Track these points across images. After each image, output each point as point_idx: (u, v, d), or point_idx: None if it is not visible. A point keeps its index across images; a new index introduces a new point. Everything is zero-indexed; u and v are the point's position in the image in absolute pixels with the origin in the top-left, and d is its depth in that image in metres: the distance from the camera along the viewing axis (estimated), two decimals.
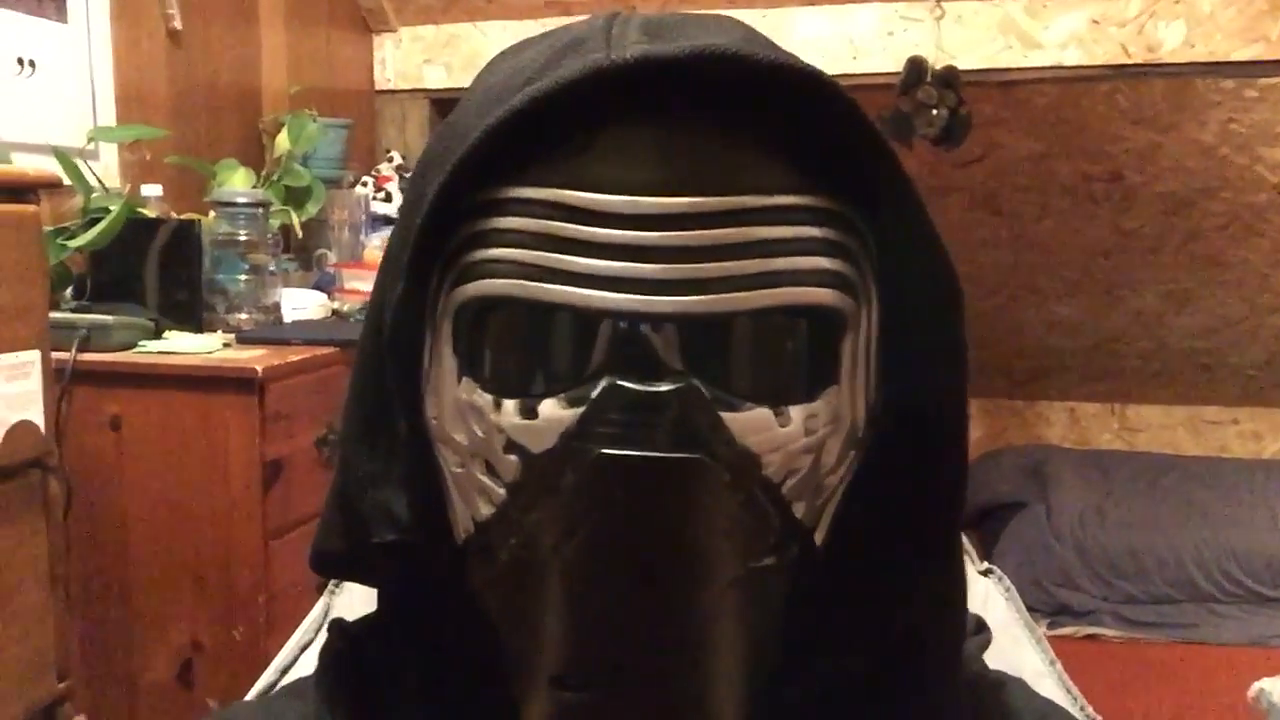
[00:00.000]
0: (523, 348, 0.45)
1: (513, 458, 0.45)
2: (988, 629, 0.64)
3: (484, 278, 0.44)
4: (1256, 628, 3.11)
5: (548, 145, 0.44)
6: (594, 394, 0.43)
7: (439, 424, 0.48)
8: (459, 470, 0.47)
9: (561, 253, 0.43)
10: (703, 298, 0.42)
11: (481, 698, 0.50)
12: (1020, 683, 0.61)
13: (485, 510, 0.46)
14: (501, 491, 0.45)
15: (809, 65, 0.43)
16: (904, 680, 0.52)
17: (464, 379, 0.46)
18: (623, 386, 0.42)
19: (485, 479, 0.46)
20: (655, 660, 0.43)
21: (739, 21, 0.48)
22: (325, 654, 0.58)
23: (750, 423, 0.44)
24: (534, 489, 0.44)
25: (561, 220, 0.43)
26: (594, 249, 0.42)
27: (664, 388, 0.42)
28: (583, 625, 0.43)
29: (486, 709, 0.50)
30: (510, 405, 0.45)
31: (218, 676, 1.62)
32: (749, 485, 0.44)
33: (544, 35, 0.49)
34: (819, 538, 0.48)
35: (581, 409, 0.43)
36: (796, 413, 0.45)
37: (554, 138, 0.44)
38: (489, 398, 0.45)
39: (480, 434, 0.46)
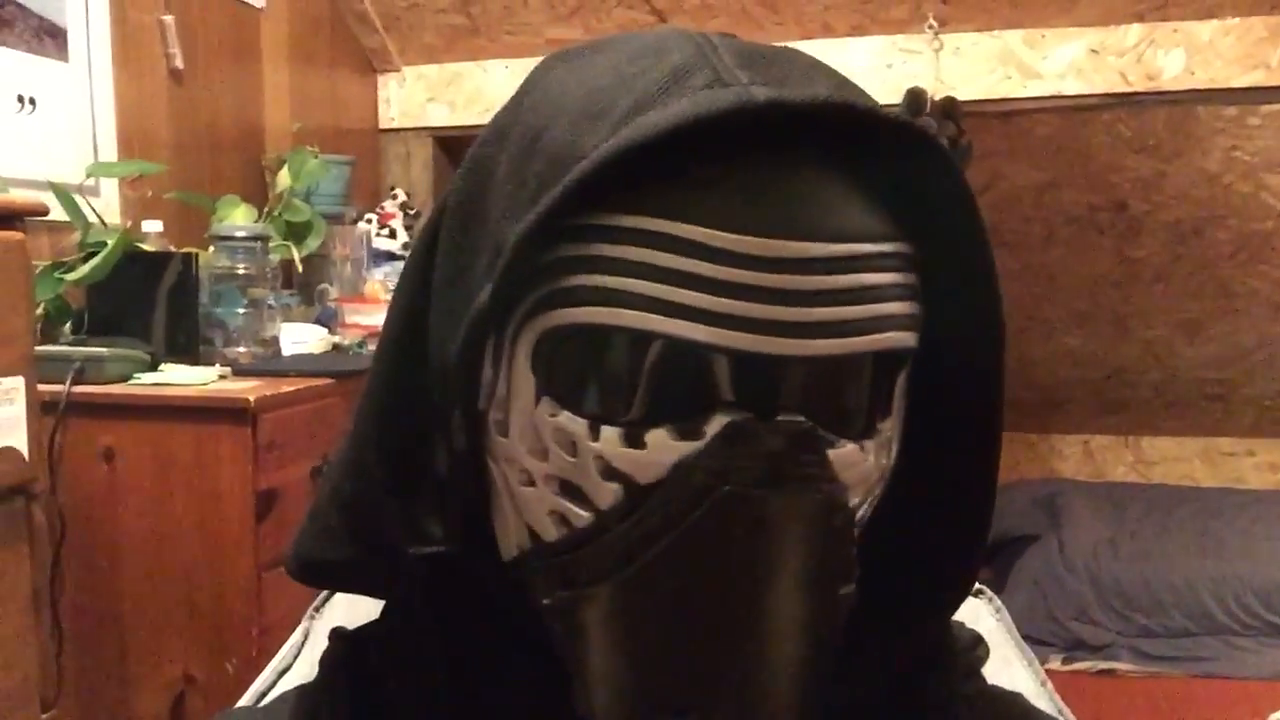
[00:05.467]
0: (630, 378, 0.44)
1: (613, 485, 0.44)
2: (984, 643, 0.64)
3: (589, 304, 0.43)
4: (1275, 661, 3.04)
5: (660, 175, 0.43)
6: (713, 430, 0.43)
7: (507, 443, 0.47)
8: (526, 489, 0.47)
9: (682, 287, 0.42)
10: (823, 341, 0.43)
11: (519, 708, 0.51)
12: (1020, 697, 0.62)
13: (556, 531, 0.46)
14: (585, 514, 0.45)
15: (911, 120, 0.45)
16: (913, 700, 0.54)
17: (543, 399, 0.45)
18: (743, 425, 0.43)
19: (563, 501, 0.46)
20: (757, 686, 0.43)
21: (818, 60, 0.48)
22: (327, 659, 0.58)
23: (845, 458, 0.45)
24: (636, 517, 0.44)
25: (684, 255, 0.42)
26: (718, 286, 0.42)
27: (784, 428, 0.43)
28: (689, 655, 0.43)
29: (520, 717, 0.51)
30: (611, 433, 0.44)
31: (210, 710, 1.61)
32: (846, 519, 0.45)
33: (620, 50, 0.48)
34: None
35: (696, 443, 0.43)
36: (870, 446, 0.47)
37: (665, 168, 0.43)
38: (583, 423, 0.45)
39: (568, 458, 0.45)
